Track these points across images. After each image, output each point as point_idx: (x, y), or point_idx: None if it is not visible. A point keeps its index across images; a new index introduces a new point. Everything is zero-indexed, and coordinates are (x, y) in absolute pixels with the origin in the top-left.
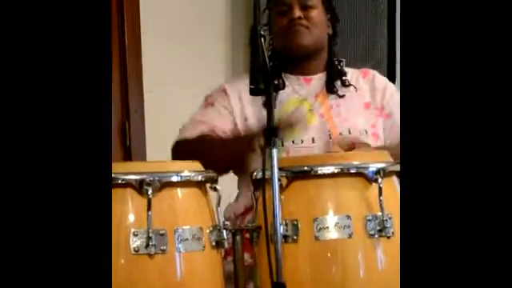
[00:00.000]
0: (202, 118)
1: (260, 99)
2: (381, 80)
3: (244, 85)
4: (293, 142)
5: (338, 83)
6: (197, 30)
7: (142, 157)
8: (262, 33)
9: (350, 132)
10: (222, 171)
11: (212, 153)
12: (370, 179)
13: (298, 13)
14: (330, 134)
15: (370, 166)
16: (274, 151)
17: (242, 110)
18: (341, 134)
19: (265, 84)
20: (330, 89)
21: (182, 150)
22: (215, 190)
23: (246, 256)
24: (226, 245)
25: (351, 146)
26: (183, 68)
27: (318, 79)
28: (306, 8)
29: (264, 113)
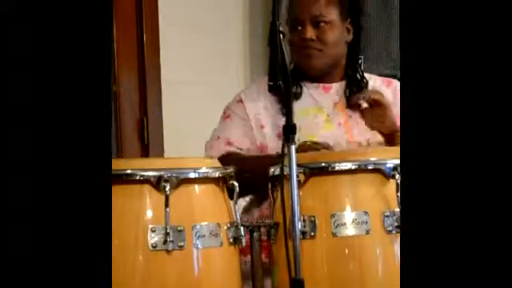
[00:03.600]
0: (220, 134)
1: (276, 105)
2: None
3: (259, 91)
4: None
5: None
6: (215, 25)
7: (160, 153)
8: (281, 29)
9: (369, 143)
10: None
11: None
12: (387, 175)
13: (310, 33)
14: (347, 143)
15: (388, 162)
16: (293, 148)
17: (257, 118)
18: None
19: (283, 80)
20: (350, 102)
21: None
22: (232, 186)
23: (262, 256)
24: (244, 241)
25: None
26: (202, 64)
27: (338, 87)
28: (319, 25)
29: (279, 120)
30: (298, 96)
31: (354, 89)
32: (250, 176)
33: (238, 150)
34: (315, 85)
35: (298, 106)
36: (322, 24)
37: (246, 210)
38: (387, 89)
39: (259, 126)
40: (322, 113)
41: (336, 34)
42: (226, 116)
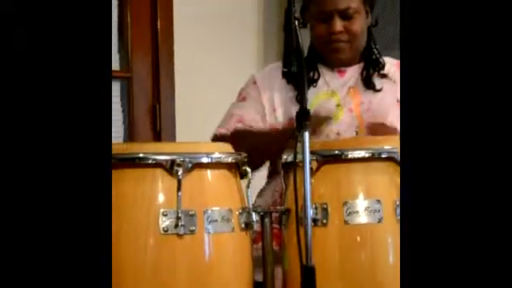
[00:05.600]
0: (232, 112)
1: (289, 93)
2: None
3: (274, 75)
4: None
5: (375, 74)
6: (229, 14)
7: (172, 140)
8: (296, 15)
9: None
10: (258, 163)
11: (247, 145)
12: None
13: (339, 26)
14: (357, 131)
15: None
16: (306, 134)
17: (271, 100)
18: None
19: (298, 66)
20: (366, 82)
21: None
22: (245, 172)
23: (273, 243)
24: (255, 227)
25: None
26: (214, 52)
27: (353, 71)
28: (346, 17)
29: (291, 108)
30: (314, 82)
31: (371, 70)
32: (259, 149)
33: (249, 128)
34: (329, 68)
35: (311, 91)
36: (350, 15)
37: (260, 194)
38: (398, 71)
39: (272, 108)
40: (334, 97)
41: (362, 23)
42: (241, 98)
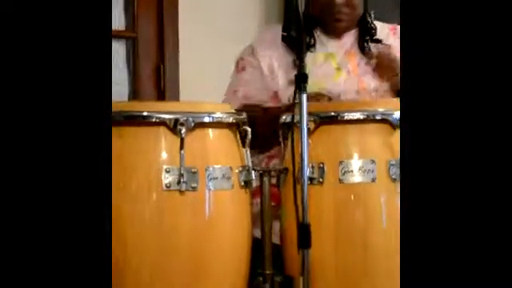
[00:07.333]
0: (237, 87)
1: (288, 57)
2: None
3: (272, 41)
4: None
5: (369, 40)
6: None
7: (176, 99)
8: None
9: (377, 91)
10: (267, 141)
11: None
12: (394, 125)
13: None
14: (357, 90)
15: (395, 112)
16: (304, 96)
17: (270, 66)
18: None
19: (297, 31)
20: (362, 48)
21: None
22: (245, 132)
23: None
24: (254, 184)
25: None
26: (218, 14)
27: (349, 35)
28: None
29: (291, 73)
30: (310, 47)
31: (366, 36)
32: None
33: (258, 103)
34: (327, 33)
35: (308, 56)
36: None
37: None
38: (393, 36)
39: (272, 73)
40: (332, 59)
41: None
42: (240, 69)
